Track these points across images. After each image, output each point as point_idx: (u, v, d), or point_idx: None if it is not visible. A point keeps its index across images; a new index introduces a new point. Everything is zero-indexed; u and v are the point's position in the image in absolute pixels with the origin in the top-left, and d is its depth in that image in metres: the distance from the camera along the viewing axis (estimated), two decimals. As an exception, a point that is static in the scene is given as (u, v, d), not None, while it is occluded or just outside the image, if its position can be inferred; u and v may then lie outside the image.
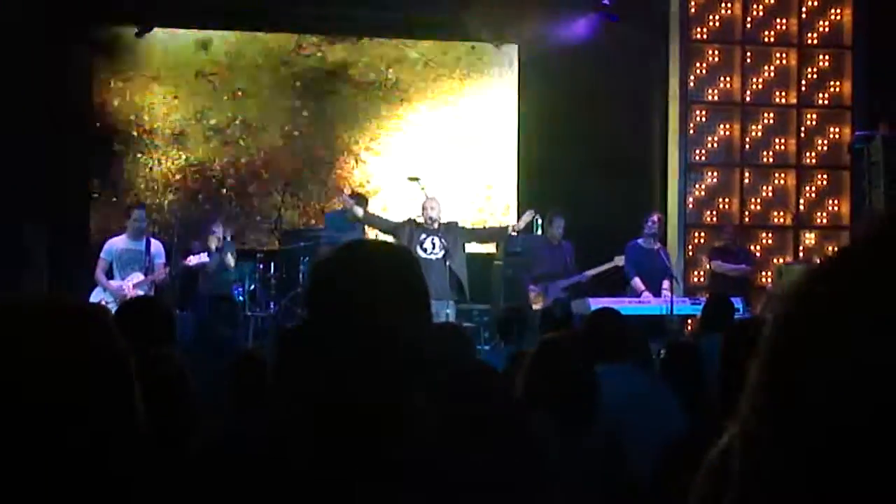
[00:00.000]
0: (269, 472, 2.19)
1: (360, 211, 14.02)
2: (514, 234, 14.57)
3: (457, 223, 14.41)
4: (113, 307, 11.94)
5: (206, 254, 13.93)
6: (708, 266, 15.70)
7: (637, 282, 14.25)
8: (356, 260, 2.39)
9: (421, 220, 13.84)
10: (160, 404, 1.92)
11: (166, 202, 16.92)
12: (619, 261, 14.52)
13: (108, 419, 1.80)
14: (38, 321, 1.81)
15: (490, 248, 16.62)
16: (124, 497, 1.84)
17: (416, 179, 14.99)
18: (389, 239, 13.73)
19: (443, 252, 13.48)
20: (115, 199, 16.62)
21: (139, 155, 16.99)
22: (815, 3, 16.64)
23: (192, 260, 13.76)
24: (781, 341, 1.06)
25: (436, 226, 13.69)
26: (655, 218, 14.41)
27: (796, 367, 1.03)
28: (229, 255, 14.27)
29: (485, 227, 16.53)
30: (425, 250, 13.43)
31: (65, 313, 1.85)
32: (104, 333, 1.85)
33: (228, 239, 14.46)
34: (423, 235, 13.55)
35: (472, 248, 16.32)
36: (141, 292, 13.07)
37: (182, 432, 3.60)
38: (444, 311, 13.13)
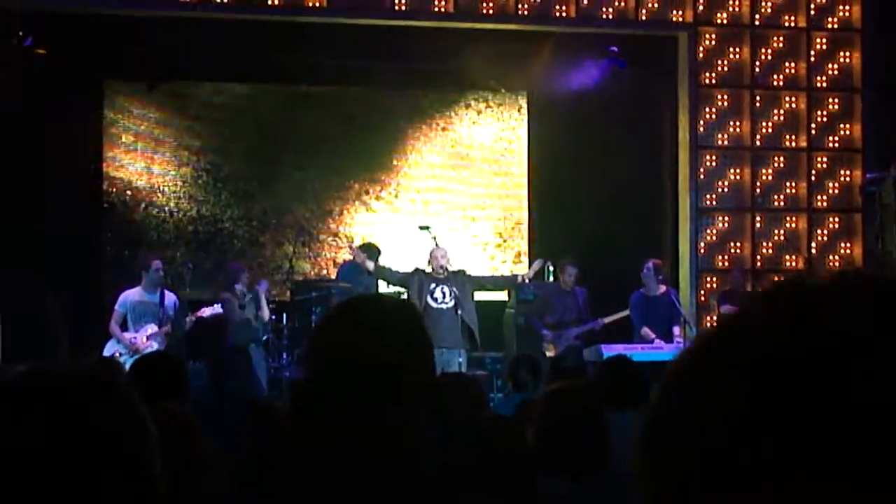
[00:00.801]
0: None
1: (370, 265, 14.04)
2: (523, 282, 14.60)
3: (465, 271, 14.42)
4: (126, 359, 11.98)
5: (219, 305, 13.93)
6: (718, 311, 15.67)
7: (646, 331, 14.20)
8: (356, 317, 2.41)
9: (429, 269, 13.86)
10: (169, 460, 1.93)
11: (178, 254, 16.96)
12: (629, 306, 14.49)
13: (132, 488, 1.82)
14: (65, 393, 1.83)
15: (502, 295, 16.62)
16: None
17: (427, 228, 15.02)
18: (400, 290, 13.78)
19: (453, 301, 13.47)
20: (127, 252, 16.66)
21: (151, 207, 17.04)
22: (824, 47, 16.67)
23: (206, 311, 13.77)
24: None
25: (445, 274, 13.70)
26: (650, 265, 14.34)
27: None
28: (265, 308, 14.21)
29: (493, 276, 16.55)
30: (436, 300, 13.43)
31: (91, 385, 1.87)
32: (128, 405, 1.87)
33: (263, 290, 14.32)
34: (433, 285, 13.55)
35: (485, 295, 16.34)
36: (155, 344, 13.10)
37: (192, 488, 3.61)
38: (457, 360, 13.13)
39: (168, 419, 3.46)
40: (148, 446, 1.85)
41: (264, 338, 14.51)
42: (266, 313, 14.19)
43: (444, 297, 13.50)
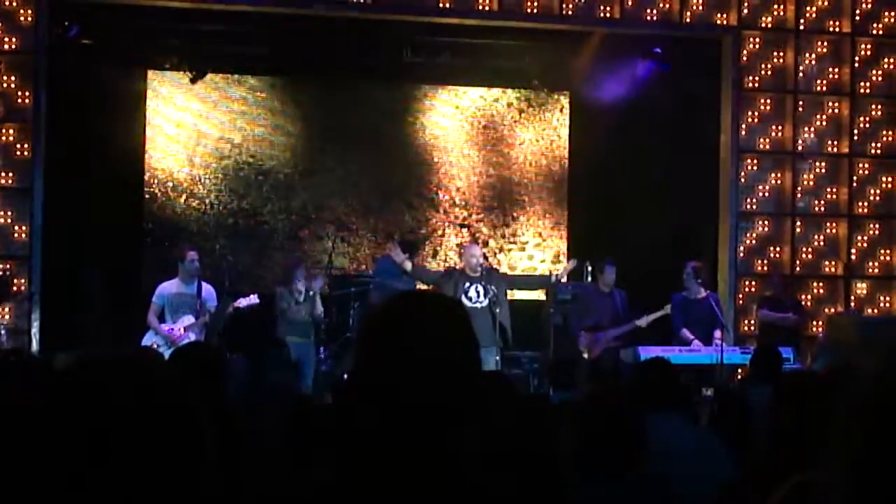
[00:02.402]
0: None
1: (408, 265, 14.05)
2: (557, 281, 14.59)
3: (498, 270, 14.43)
4: (164, 351, 12.04)
5: (255, 296, 13.94)
6: (756, 316, 15.62)
7: (685, 333, 14.17)
8: (408, 310, 2.42)
9: (464, 268, 13.88)
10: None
11: (217, 246, 17.03)
12: (669, 309, 14.44)
13: (183, 471, 1.85)
14: (124, 375, 1.86)
15: (540, 295, 16.63)
16: None
17: (466, 226, 15.02)
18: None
19: (487, 300, 13.48)
20: (167, 243, 16.74)
21: (192, 199, 17.12)
22: (868, 53, 16.60)
23: (242, 302, 13.78)
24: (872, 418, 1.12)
25: (479, 273, 13.71)
26: (691, 267, 14.30)
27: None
28: (320, 305, 14.24)
29: (527, 275, 16.53)
30: (470, 299, 13.44)
31: (145, 368, 1.90)
32: (180, 388, 1.90)
33: (318, 288, 14.34)
34: (468, 284, 13.56)
35: (522, 294, 16.35)
36: (192, 335, 13.15)
37: (232, 483, 3.64)
38: (491, 358, 13.15)
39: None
40: (202, 424, 1.89)
41: (312, 335, 14.45)
42: (320, 310, 14.24)
43: (478, 296, 13.50)
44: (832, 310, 16.25)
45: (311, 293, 14.15)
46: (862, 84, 16.63)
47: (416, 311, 2.41)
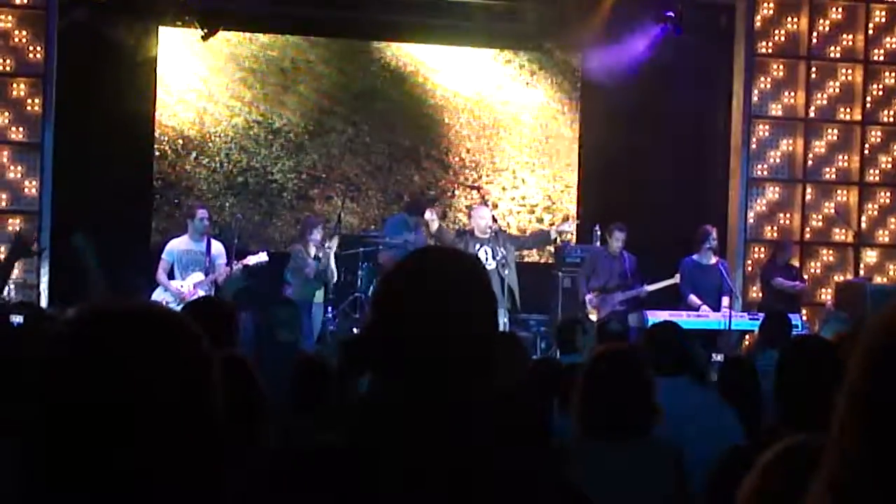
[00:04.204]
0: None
1: (435, 224, 13.97)
2: (555, 237, 14.61)
3: (506, 232, 14.44)
4: (174, 307, 12.03)
5: (264, 254, 13.94)
6: (761, 283, 15.59)
7: (693, 299, 14.15)
8: (427, 265, 2.41)
9: (473, 229, 13.88)
10: (232, 409, 1.95)
11: (227, 204, 17.02)
12: (678, 278, 14.41)
13: (195, 423, 1.84)
14: (138, 326, 1.85)
15: (549, 258, 16.62)
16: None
17: (477, 188, 14.99)
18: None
19: (496, 262, 13.47)
20: (176, 201, 16.75)
21: (202, 157, 17.10)
22: (883, 20, 16.51)
23: (251, 259, 13.76)
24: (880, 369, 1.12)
25: (488, 235, 13.70)
26: (703, 231, 14.28)
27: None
28: (332, 265, 14.24)
29: (529, 235, 16.48)
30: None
31: (161, 320, 1.89)
32: (195, 340, 1.89)
33: (333, 247, 14.30)
34: (477, 246, 13.55)
35: (531, 257, 16.35)
36: (201, 292, 13.16)
37: (252, 436, 3.64)
38: (500, 320, 13.15)
39: (229, 366, 3.48)
40: (212, 378, 1.88)
41: (319, 296, 14.42)
42: (333, 271, 14.23)
43: (486, 257, 13.49)
44: (841, 277, 16.22)
45: (326, 252, 14.15)
46: (875, 51, 16.55)
47: (438, 265, 2.40)
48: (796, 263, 15.81)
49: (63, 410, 1.77)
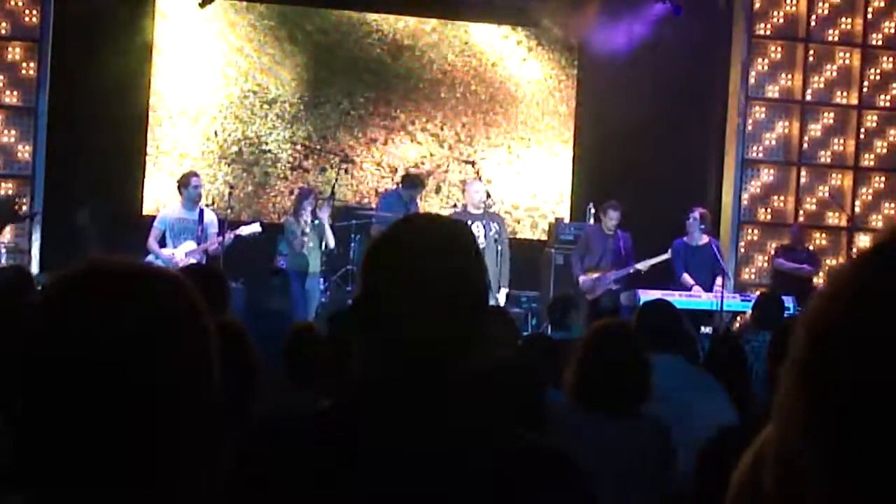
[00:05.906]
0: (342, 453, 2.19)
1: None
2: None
3: (501, 217, 14.54)
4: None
5: (257, 224, 13.94)
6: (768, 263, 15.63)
7: (686, 277, 14.16)
8: (413, 232, 2.37)
9: (466, 204, 13.91)
10: (226, 375, 1.92)
11: (221, 173, 16.98)
12: (669, 254, 14.41)
13: (193, 387, 1.81)
14: (132, 283, 1.82)
15: (541, 234, 16.62)
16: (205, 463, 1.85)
17: (472, 163, 14.96)
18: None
19: (485, 240, 13.45)
20: (170, 169, 16.70)
21: (196, 125, 17.04)
22: (882, 4, 16.49)
23: (244, 230, 13.76)
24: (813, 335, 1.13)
25: (481, 210, 13.71)
26: (696, 213, 14.28)
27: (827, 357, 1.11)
28: (329, 235, 14.24)
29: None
30: (472, 237, 13.40)
31: (158, 277, 1.86)
32: (193, 299, 1.86)
33: (326, 220, 14.29)
34: (470, 222, 13.53)
35: (524, 234, 16.35)
36: (193, 261, 13.13)
37: (247, 403, 3.62)
38: (493, 296, 13.14)
39: (224, 331, 3.45)
40: (210, 338, 1.85)
41: (314, 267, 14.41)
42: (331, 240, 14.24)
43: (479, 234, 13.47)
44: (834, 261, 16.22)
45: (319, 223, 14.15)
46: (874, 35, 16.53)
47: (425, 231, 2.36)
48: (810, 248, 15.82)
49: (50, 366, 1.73)
